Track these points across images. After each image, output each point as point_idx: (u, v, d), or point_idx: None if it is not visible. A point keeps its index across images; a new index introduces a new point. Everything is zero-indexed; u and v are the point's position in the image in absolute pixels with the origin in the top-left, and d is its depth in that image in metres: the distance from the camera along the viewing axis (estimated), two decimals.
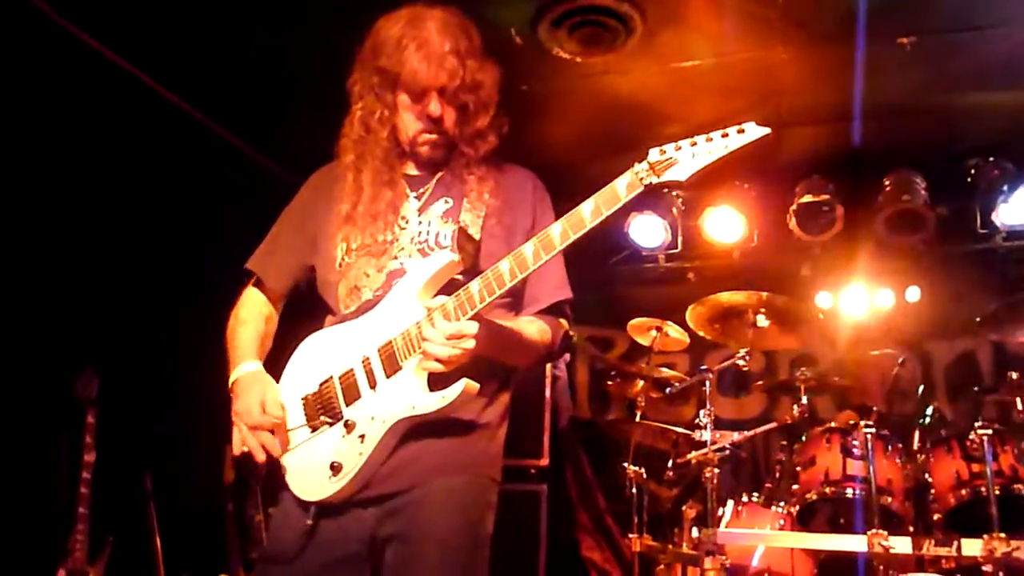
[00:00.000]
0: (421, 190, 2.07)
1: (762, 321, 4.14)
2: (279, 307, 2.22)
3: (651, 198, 4.62)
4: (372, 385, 1.91)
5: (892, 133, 4.70)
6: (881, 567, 3.34)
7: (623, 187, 1.75)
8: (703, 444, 3.83)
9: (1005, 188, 4.66)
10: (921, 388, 4.48)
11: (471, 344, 1.79)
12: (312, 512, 1.92)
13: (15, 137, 3.46)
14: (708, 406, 3.94)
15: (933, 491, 3.64)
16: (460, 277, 1.91)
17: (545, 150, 4.47)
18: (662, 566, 4.21)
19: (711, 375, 4.06)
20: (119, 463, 3.85)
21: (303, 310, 2.22)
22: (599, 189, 1.78)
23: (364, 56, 2.04)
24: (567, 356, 4.96)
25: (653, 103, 4.33)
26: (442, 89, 1.96)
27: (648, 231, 5.22)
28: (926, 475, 3.69)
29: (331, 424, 1.94)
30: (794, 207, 4.96)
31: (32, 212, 3.61)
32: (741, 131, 1.71)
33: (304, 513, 1.93)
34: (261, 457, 1.93)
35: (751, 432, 4.08)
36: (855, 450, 3.67)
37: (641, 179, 1.75)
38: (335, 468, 1.90)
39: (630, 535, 4.20)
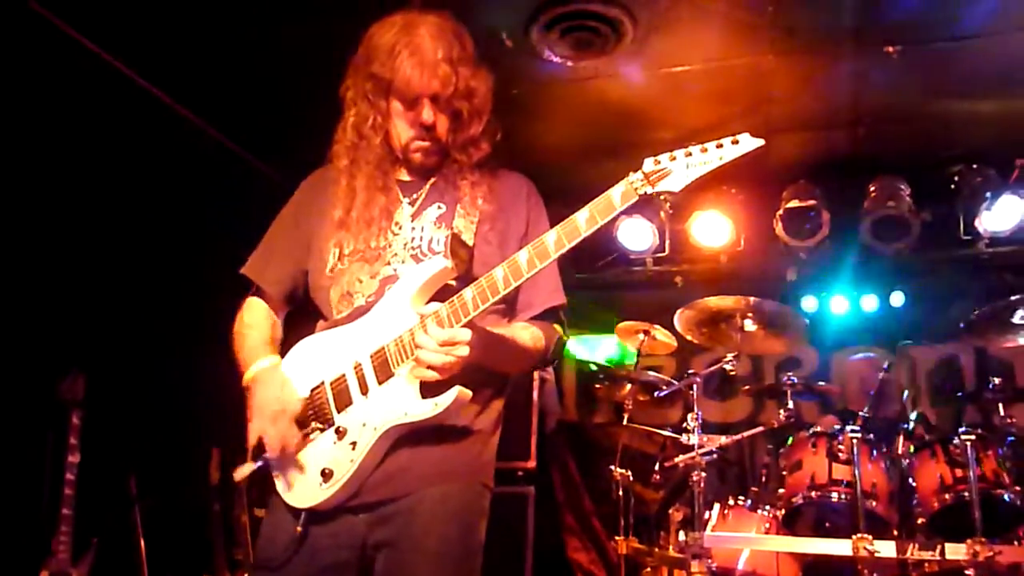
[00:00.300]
0: (414, 196, 2.06)
1: (749, 325, 4.17)
2: (281, 315, 2.19)
3: (640, 202, 4.64)
4: (364, 391, 1.89)
5: (878, 140, 4.76)
6: (866, 571, 3.38)
7: (618, 196, 1.76)
8: (690, 447, 3.85)
9: (988, 195, 4.72)
10: (906, 393, 4.53)
11: (465, 351, 1.77)
12: (303, 519, 1.91)
13: (4, 137, 3.43)
14: (695, 410, 3.96)
15: (917, 495, 3.68)
16: (454, 283, 1.89)
17: (535, 153, 4.49)
18: (648, 569, 4.22)
19: (698, 379, 4.08)
20: (104, 464, 3.82)
21: (294, 315, 2.21)
22: (589, 192, 1.78)
23: (357, 62, 2.03)
24: None
25: (643, 107, 4.34)
26: (435, 96, 1.95)
27: (636, 235, 5.23)
28: (910, 479, 3.73)
29: (322, 430, 1.92)
30: (780, 212, 5.00)
31: (20, 212, 3.58)
32: (735, 142, 1.71)
33: (294, 520, 1.91)
34: (276, 449, 1.90)
35: (738, 436, 4.10)
36: (840, 454, 3.71)
37: (636, 189, 1.75)
38: (326, 475, 1.88)
39: (617, 538, 4.20)
